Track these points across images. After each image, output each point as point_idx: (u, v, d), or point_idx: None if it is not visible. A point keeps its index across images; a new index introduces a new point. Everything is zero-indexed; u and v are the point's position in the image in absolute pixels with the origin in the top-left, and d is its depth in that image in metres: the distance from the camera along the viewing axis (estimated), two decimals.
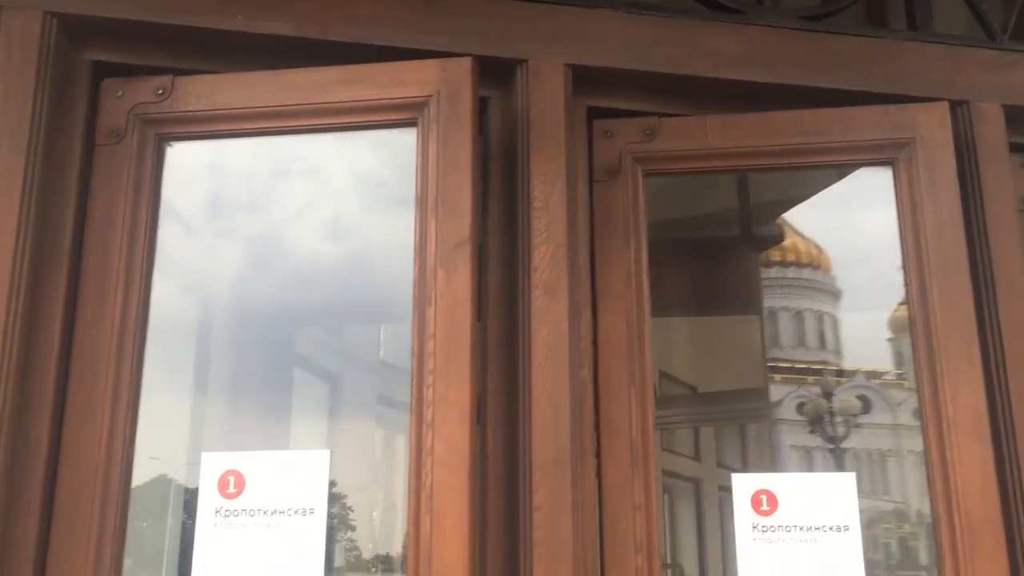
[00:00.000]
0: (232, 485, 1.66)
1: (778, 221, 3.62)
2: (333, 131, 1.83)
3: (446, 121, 1.75)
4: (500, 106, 1.91)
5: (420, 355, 1.65)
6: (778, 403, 8.32)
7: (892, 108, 1.95)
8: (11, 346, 1.57)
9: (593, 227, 1.93)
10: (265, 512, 1.64)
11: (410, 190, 1.76)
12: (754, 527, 1.80)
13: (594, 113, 1.98)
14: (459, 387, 1.63)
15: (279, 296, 2.84)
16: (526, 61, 1.88)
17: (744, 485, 1.85)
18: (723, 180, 2.76)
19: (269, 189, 2.41)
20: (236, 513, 1.64)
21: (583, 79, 1.92)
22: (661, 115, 1.99)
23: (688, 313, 4.21)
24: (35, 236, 1.64)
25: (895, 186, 1.91)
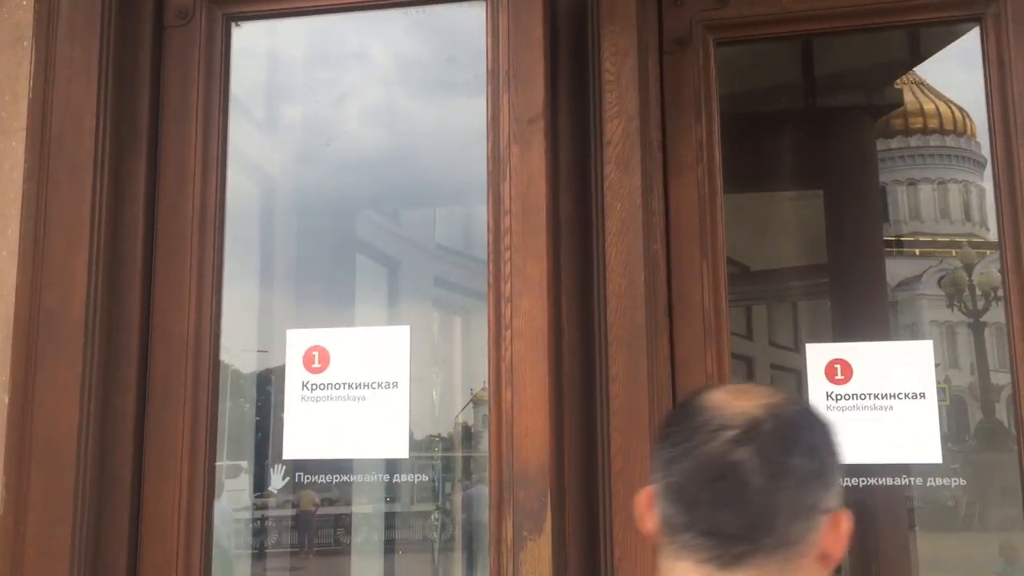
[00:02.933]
0: (317, 360, 1.71)
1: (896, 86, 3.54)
2: (401, 6, 1.81)
3: None
4: None
5: (496, 231, 1.66)
6: (917, 277, 8.31)
7: None
8: (98, 231, 1.61)
9: (664, 100, 1.89)
10: (350, 386, 1.69)
11: (472, 70, 1.74)
12: (828, 395, 1.82)
13: None
14: (536, 262, 1.65)
15: (340, 182, 2.87)
16: None
17: (818, 355, 1.86)
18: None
19: (333, 71, 2.40)
20: (322, 387, 1.70)
21: None
22: None
23: (751, 189, 4.14)
24: (114, 120, 1.66)
25: (982, 43, 1.84)
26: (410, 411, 1.70)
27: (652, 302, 1.76)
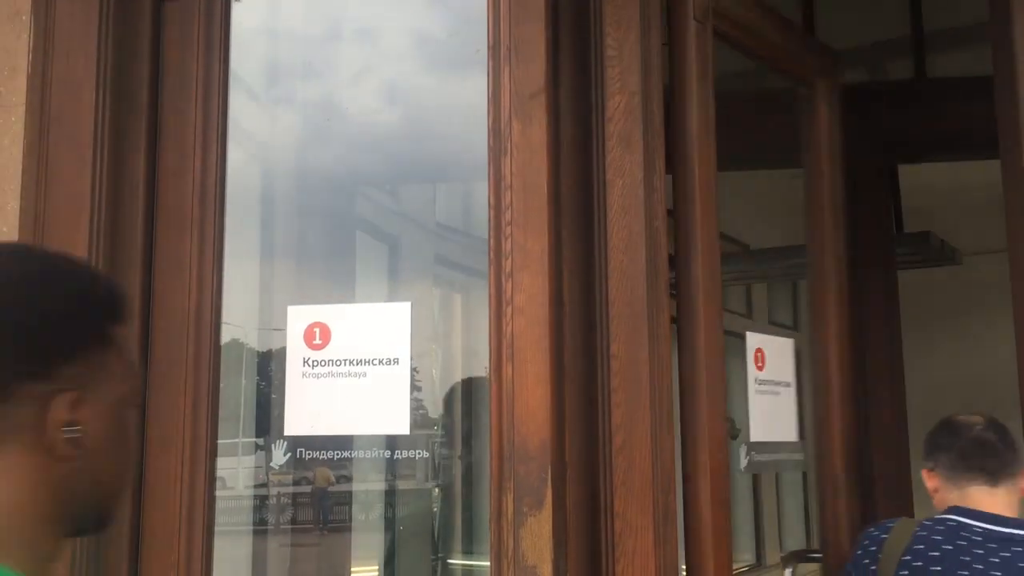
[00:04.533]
0: (318, 336, 1.70)
1: None
2: None
3: None
4: None
5: (497, 207, 1.65)
6: None
7: None
8: (98, 207, 1.61)
9: (667, 76, 1.89)
10: (351, 362, 1.69)
11: (473, 44, 1.73)
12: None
13: None
14: (537, 237, 1.64)
15: (340, 158, 2.85)
16: None
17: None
18: None
19: (332, 47, 2.38)
20: (323, 363, 1.69)
21: None
22: None
23: (742, 167, 4.11)
24: (113, 95, 1.65)
25: None
26: (411, 387, 1.69)
27: (653, 278, 1.76)
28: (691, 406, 1.86)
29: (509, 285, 1.62)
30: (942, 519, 1.86)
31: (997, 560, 1.72)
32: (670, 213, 1.87)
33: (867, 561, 1.91)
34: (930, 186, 5.41)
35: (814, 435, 2.32)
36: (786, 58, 2.35)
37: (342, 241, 3.45)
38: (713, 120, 1.94)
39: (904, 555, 1.81)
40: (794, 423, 2.16)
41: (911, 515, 3.33)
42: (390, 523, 3.28)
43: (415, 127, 2.71)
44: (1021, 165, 1.92)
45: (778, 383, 2.12)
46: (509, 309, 1.62)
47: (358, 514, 3.24)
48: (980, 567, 1.73)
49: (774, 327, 6.99)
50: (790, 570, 2.34)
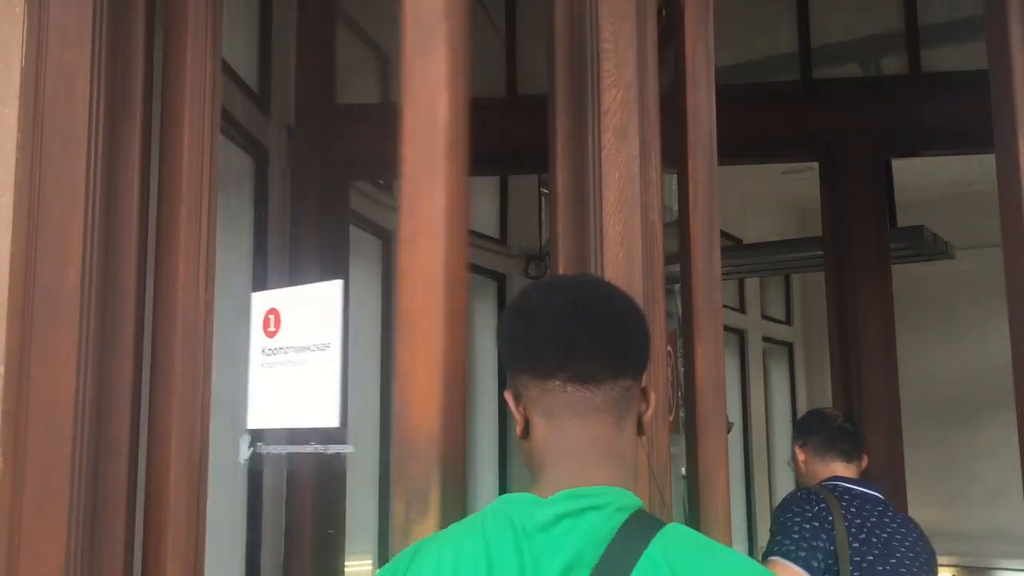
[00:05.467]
0: (272, 323, 1.65)
1: None
2: None
3: None
4: None
5: (401, 161, 1.44)
6: None
7: None
8: (93, 199, 1.60)
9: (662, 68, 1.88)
10: (293, 349, 1.62)
11: None
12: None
13: None
14: (434, 196, 1.39)
15: None
16: None
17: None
18: None
19: None
20: (273, 352, 1.64)
21: None
22: None
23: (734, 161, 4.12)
24: (108, 87, 1.66)
25: None
26: (342, 374, 1.54)
27: (649, 271, 1.76)
28: (694, 401, 1.86)
29: (408, 252, 1.40)
30: (834, 485, 2.39)
31: (873, 513, 2.32)
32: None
33: (825, 525, 2.26)
34: (924, 181, 5.41)
35: None
36: None
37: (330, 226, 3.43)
38: (714, 110, 1.93)
39: (844, 515, 2.27)
40: None
41: (905, 500, 3.38)
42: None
43: None
44: (1016, 159, 1.92)
45: None
46: (406, 279, 1.39)
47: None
48: (874, 519, 2.31)
49: (767, 321, 7.00)
50: None
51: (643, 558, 0.98)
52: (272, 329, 1.66)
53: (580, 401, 1.08)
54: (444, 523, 1.26)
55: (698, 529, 1.58)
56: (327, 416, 1.55)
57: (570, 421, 1.08)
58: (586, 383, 1.08)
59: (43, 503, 1.55)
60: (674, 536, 1.02)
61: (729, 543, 1.79)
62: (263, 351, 1.66)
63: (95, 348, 1.60)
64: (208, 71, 1.77)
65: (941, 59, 3.81)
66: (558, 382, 1.07)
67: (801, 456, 2.54)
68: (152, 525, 1.64)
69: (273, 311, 1.67)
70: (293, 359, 1.61)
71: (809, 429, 2.53)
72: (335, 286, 1.59)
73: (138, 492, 1.65)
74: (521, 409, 1.11)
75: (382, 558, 3.82)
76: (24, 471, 1.57)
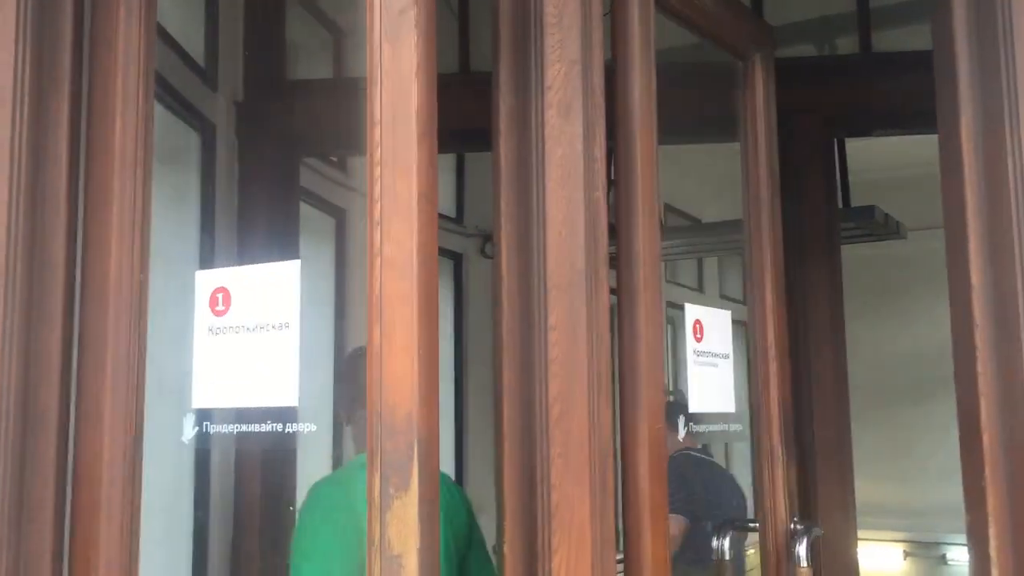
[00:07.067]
0: (221, 302, 1.65)
1: None
2: None
3: None
4: None
5: (370, 145, 1.46)
6: None
7: None
8: (18, 169, 1.56)
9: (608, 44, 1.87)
10: (248, 328, 1.62)
11: None
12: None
13: None
14: (405, 178, 1.42)
15: None
16: None
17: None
18: None
19: None
20: (224, 330, 1.64)
21: None
22: None
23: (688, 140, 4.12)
24: (34, 52, 1.59)
25: None
26: (301, 354, 1.56)
27: (592, 249, 1.75)
28: (630, 378, 1.86)
29: (378, 234, 1.42)
30: (686, 453, 2.79)
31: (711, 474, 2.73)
32: (611, 184, 1.87)
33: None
34: (877, 160, 5.46)
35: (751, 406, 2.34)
36: (723, 30, 2.34)
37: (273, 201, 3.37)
38: (654, 91, 1.92)
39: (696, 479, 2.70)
40: (731, 395, 2.18)
41: (852, 478, 3.42)
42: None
43: None
44: (958, 140, 1.93)
45: (715, 355, 2.13)
46: (378, 261, 1.42)
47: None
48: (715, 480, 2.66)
49: (724, 300, 7.05)
50: (727, 540, 2.36)
51: None
52: (221, 308, 1.64)
53: None
54: (423, 495, 1.34)
55: None
56: (284, 395, 1.56)
57: None
58: None
59: None
60: None
61: (650, 523, 1.80)
62: (210, 330, 1.65)
63: (21, 319, 1.56)
64: (142, 34, 1.71)
65: (893, 40, 3.83)
66: None
67: None
68: (83, 503, 1.61)
69: (222, 289, 1.65)
70: (245, 338, 1.61)
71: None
72: (293, 265, 1.60)
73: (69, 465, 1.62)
74: None
75: None
76: None
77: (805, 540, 2.24)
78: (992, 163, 1.88)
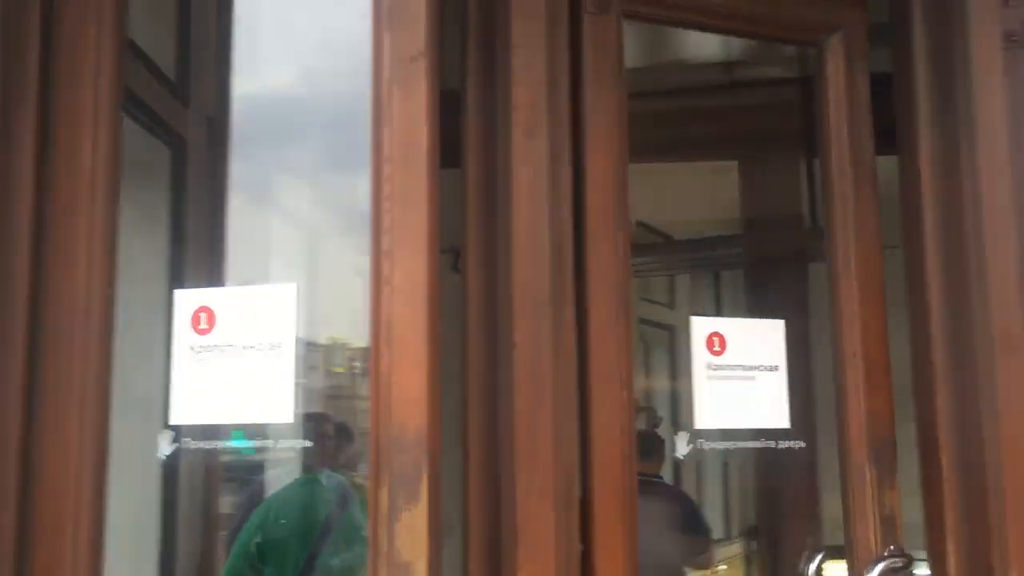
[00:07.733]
0: (204, 321, 1.67)
1: None
2: None
3: None
4: None
5: (378, 180, 1.56)
6: None
7: None
8: None
9: (575, 65, 1.88)
10: (236, 348, 1.65)
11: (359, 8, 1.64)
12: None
13: None
14: (416, 213, 1.53)
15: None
16: None
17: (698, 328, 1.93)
18: None
19: None
20: (208, 349, 1.66)
21: None
22: None
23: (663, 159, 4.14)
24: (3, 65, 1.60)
25: None
26: (296, 373, 1.63)
27: (558, 268, 1.76)
28: (597, 395, 1.86)
29: (387, 263, 1.53)
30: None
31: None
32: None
33: None
34: None
35: (836, 423, 2.12)
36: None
37: (239, 220, 3.36)
38: (621, 110, 1.92)
39: None
40: (782, 408, 2.05)
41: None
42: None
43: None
44: (916, 164, 1.97)
45: (750, 367, 2.04)
46: (387, 288, 1.52)
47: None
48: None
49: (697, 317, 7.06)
50: (812, 565, 2.21)
51: None
52: (204, 327, 1.67)
53: None
54: (432, 508, 1.46)
55: None
56: (280, 412, 1.63)
57: None
58: None
59: None
60: None
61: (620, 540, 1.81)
62: (191, 348, 1.67)
63: None
64: (113, 48, 1.72)
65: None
66: None
67: None
68: (45, 521, 1.60)
69: (205, 308, 1.68)
70: (233, 357, 1.65)
71: None
72: (289, 289, 1.68)
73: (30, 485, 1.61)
74: None
75: None
76: None
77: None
78: (950, 187, 1.92)
